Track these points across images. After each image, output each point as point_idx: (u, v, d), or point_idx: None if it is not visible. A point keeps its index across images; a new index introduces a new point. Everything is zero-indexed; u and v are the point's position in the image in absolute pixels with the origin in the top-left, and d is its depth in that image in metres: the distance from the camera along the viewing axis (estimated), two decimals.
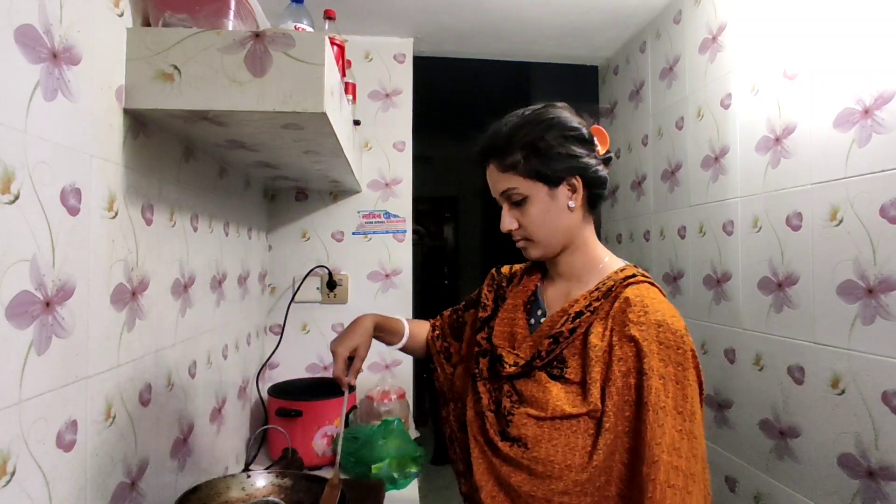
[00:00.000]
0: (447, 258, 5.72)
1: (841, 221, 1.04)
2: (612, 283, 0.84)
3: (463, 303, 1.12)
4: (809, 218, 1.12)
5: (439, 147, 5.30)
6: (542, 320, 0.89)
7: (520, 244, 0.89)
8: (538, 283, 0.96)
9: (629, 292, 0.81)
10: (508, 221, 0.87)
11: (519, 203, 0.86)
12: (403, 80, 1.93)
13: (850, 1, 1.03)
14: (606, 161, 0.89)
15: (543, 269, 0.96)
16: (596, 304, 0.82)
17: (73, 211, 0.69)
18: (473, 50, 2.05)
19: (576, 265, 0.89)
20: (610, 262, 0.89)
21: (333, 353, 0.98)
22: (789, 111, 1.18)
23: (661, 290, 0.85)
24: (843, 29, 1.04)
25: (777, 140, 1.22)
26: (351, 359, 0.99)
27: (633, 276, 0.84)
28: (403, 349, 1.13)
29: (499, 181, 0.87)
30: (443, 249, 5.72)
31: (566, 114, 0.87)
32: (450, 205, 5.79)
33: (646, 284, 0.84)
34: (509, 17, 1.74)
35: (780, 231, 1.20)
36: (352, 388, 0.99)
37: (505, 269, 1.05)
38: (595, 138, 0.88)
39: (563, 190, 0.85)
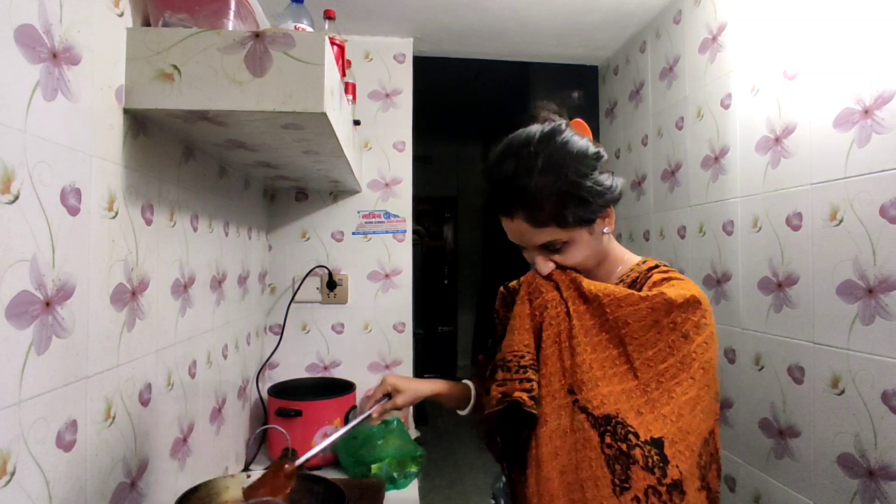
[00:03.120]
0: (447, 258, 5.72)
1: (841, 221, 1.04)
2: (637, 274, 0.85)
3: (490, 339, 1.03)
4: (809, 218, 1.12)
5: (439, 147, 5.30)
6: None
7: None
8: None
9: (656, 276, 0.82)
10: (548, 267, 0.83)
11: (559, 249, 0.82)
12: (403, 80, 1.93)
13: (851, 1, 1.03)
14: (618, 186, 0.85)
15: None
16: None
17: (73, 211, 0.69)
18: (473, 50, 2.05)
19: (601, 274, 0.89)
20: (629, 258, 0.91)
21: (382, 380, 1.04)
22: (789, 111, 1.18)
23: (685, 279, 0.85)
24: (843, 29, 1.04)
25: (777, 140, 1.22)
26: (389, 396, 1.02)
27: (656, 266, 0.86)
28: (477, 411, 1.05)
29: (535, 235, 0.81)
30: (442, 249, 5.72)
31: (575, 138, 0.82)
32: (450, 205, 5.79)
33: (672, 272, 0.84)
34: (509, 16, 1.74)
35: (780, 231, 1.20)
36: (352, 417, 1.00)
37: (513, 283, 0.99)
38: (588, 138, 0.85)
39: (598, 223, 0.83)
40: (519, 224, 0.81)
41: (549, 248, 0.82)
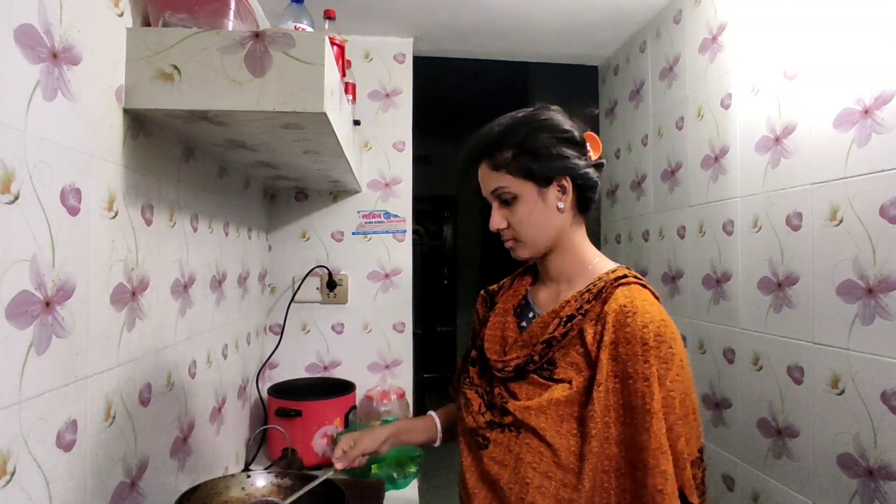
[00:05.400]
0: (447, 258, 5.72)
1: (841, 221, 1.04)
2: (603, 283, 0.83)
3: (469, 343, 1.05)
4: (809, 218, 1.12)
5: (439, 147, 5.30)
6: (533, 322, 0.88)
7: (508, 244, 0.89)
8: (528, 287, 0.96)
9: (619, 294, 0.81)
10: (497, 220, 0.87)
11: (509, 202, 0.85)
12: (403, 80, 1.93)
13: (850, 1, 1.03)
14: (598, 166, 0.88)
15: (534, 273, 0.96)
16: (587, 305, 0.82)
17: (73, 211, 0.69)
18: (473, 49, 2.05)
19: (565, 267, 0.89)
20: (600, 263, 0.89)
21: (336, 442, 1.04)
22: (789, 111, 1.18)
23: (653, 292, 0.84)
24: (843, 29, 1.04)
25: (777, 140, 1.22)
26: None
27: (625, 276, 0.84)
28: (449, 438, 1.07)
29: (490, 180, 0.87)
30: (442, 249, 5.72)
31: (559, 116, 0.87)
32: (449, 205, 5.79)
33: (636, 286, 0.83)
34: (509, 16, 1.74)
35: (780, 231, 1.20)
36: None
37: (493, 286, 1.05)
38: (587, 143, 0.88)
39: (552, 190, 0.84)
40: (483, 169, 0.88)
41: (500, 200, 0.86)
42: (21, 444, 0.60)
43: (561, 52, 2.09)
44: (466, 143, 0.91)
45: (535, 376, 0.82)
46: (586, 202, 0.88)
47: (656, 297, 0.84)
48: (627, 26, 1.83)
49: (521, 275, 0.98)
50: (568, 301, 0.84)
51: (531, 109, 0.89)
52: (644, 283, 0.85)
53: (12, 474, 0.59)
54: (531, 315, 0.92)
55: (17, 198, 0.59)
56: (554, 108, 0.89)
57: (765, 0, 1.27)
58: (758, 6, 1.29)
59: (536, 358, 0.82)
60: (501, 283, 1.03)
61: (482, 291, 1.05)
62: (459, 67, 2.49)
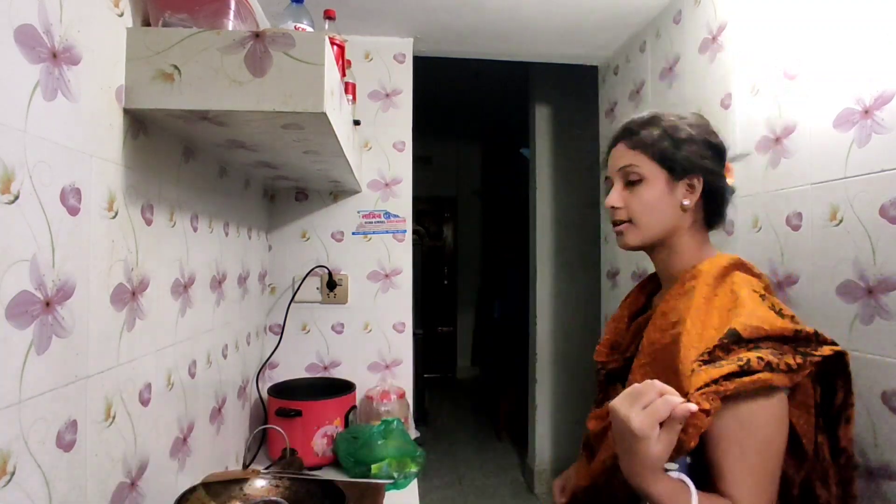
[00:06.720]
0: (447, 258, 5.72)
1: (841, 221, 1.04)
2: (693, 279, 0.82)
3: None
4: (809, 218, 1.12)
5: (439, 147, 5.30)
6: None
7: (618, 228, 0.88)
8: (651, 292, 0.96)
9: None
10: (615, 198, 0.86)
11: (634, 183, 0.84)
12: (403, 80, 1.92)
13: (851, 1, 1.03)
14: (729, 189, 0.88)
15: (657, 283, 0.96)
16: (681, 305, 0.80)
17: (73, 211, 0.69)
18: (473, 50, 2.05)
19: (672, 267, 0.87)
20: (700, 256, 0.86)
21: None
22: (789, 111, 1.18)
23: (738, 270, 0.82)
24: (843, 29, 1.04)
25: (777, 140, 1.22)
26: None
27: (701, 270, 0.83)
28: None
29: (623, 156, 0.85)
30: (442, 249, 5.72)
31: (710, 126, 0.88)
32: (450, 205, 5.79)
33: (711, 264, 0.81)
34: (509, 16, 1.74)
35: (780, 231, 1.20)
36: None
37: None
38: (727, 165, 0.88)
39: (682, 185, 0.83)
40: (618, 148, 0.87)
41: (626, 179, 0.85)
42: (21, 444, 0.60)
43: (561, 53, 2.09)
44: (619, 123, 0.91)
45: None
46: (712, 215, 0.87)
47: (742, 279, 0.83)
48: (627, 27, 1.83)
49: (644, 285, 0.98)
50: (667, 301, 0.82)
51: (696, 120, 0.88)
52: (727, 264, 0.83)
53: (12, 474, 0.59)
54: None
55: (17, 198, 0.59)
56: (703, 117, 0.89)
57: (765, 0, 1.27)
58: (758, 6, 1.29)
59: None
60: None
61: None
62: (459, 67, 2.49)
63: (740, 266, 0.84)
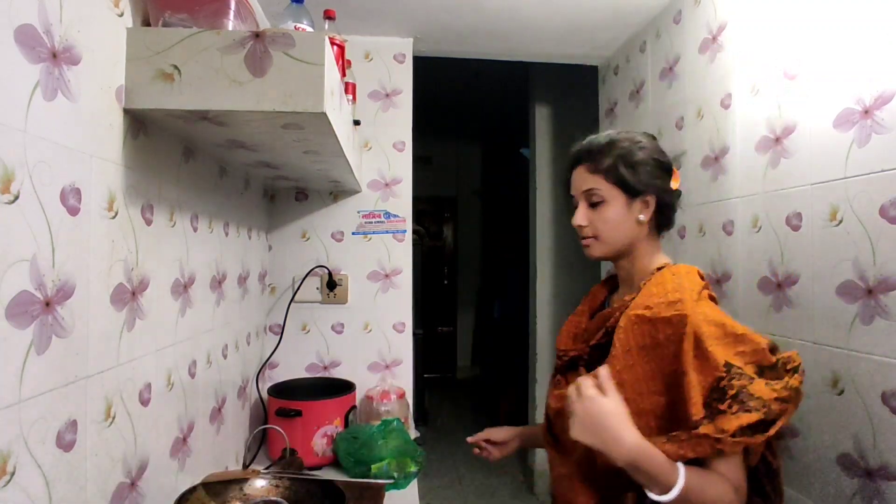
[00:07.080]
0: (447, 258, 5.72)
1: (841, 221, 1.04)
2: (645, 278, 0.93)
3: None
4: (809, 218, 1.12)
5: (439, 147, 5.30)
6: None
7: (585, 241, 0.98)
8: (607, 292, 1.07)
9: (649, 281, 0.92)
10: (581, 218, 0.97)
11: (596, 204, 0.95)
12: (403, 80, 1.93)
13: (851, 1, 1.03)
14: (677, 194, 0.98)
15: (615, 284, 1.06)
16: (630, 301, 0.91)
17: (73, 211, 0.69)
18: (473, 50, 2.05)
19: (632, 271, 0.98)
20: (652, 262, 0.97)
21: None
22: (789, 111, 1.18)
23: (687, 275, 0.90)
24: (843, 29, 1.04)
25: (777, 140, 1.22)
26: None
27: (661, 268, 0.94)
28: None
29: (585, 181, 0.96)
30: (442, 249, 5.72)
31: (658, 145, 0.99)
32: (450, 205, 5.79)
33: (666, 271, 0.92)
34: (509, 16, 1.74)
35: (780, 231, 1.20)
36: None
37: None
38: (668, 162, 0.98)
39: (638, 203, 0.94)
40: (579, 171, 0.97)
41: (589, 201, 0.96)
42: (21, 444, 0.60)
43: (561, 53, 2.09)
44: (573, 147, 1.01)
45: (583, 368, 0.97)
46: (663, 222, 0.98)
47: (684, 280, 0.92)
48: (627, 27, 1.83)
49: (603, 283, 1.10)
50: (623, 300, 0.94)
51: (636, 132, 0.99)
52: (675, 270, 0.93)
53: (12, 474, 0.59)
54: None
55: (17, 198, 0.59)
56: (653, 137, 1.00)
57: (765, 0, 1.27)
58: (758, 6, 1.29)
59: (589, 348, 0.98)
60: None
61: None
62: (459, 67, 2.49)
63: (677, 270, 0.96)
